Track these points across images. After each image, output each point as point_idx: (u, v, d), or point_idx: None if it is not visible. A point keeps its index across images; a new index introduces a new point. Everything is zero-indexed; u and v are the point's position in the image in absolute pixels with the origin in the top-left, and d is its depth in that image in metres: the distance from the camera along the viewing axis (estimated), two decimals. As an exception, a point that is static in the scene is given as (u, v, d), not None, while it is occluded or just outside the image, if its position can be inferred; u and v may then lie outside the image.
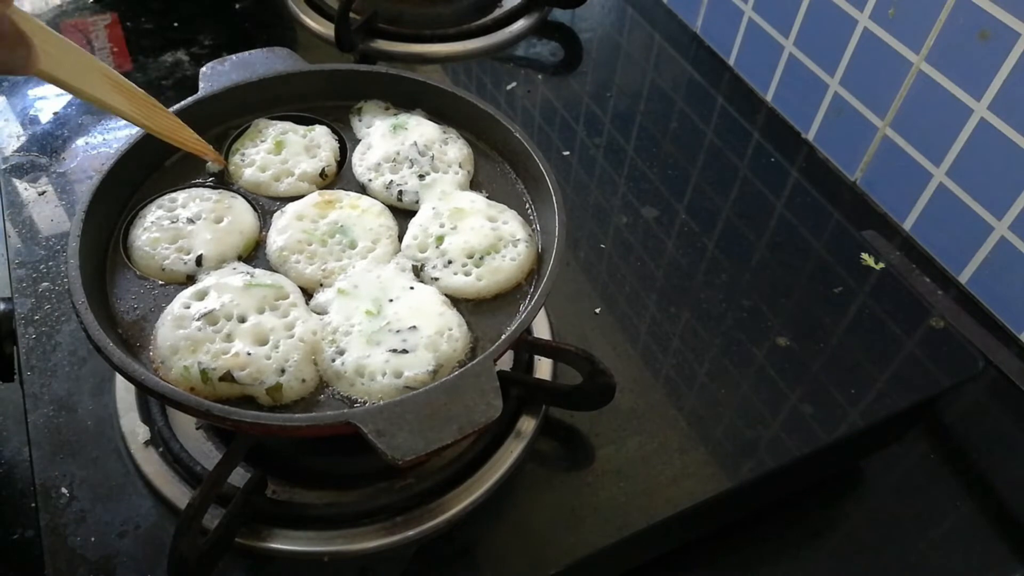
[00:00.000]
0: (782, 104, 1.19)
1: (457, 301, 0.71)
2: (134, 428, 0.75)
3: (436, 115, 0.84)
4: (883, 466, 0.86)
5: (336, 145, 0.82)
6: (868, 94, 1.05)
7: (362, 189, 0.79)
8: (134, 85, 0.68)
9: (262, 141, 0.80)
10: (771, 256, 0.97)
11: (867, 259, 0.96)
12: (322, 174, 0.79)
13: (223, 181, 0.79)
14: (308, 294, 0.70)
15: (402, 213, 0.77)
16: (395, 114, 0.84)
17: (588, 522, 0.72)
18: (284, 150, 0.79)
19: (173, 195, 0.75)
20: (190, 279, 0.70)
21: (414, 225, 0.75)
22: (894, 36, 0.99)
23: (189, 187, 0.77)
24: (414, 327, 0.66)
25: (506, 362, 0.80)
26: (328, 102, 0.86)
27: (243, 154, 0.80)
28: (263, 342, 0.65)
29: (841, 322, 0.90)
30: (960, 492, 0.84)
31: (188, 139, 0.75)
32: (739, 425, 0.80)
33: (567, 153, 1.09)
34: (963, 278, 1.00)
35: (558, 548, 0.70)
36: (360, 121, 0.84)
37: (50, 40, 0.58)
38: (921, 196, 1.02)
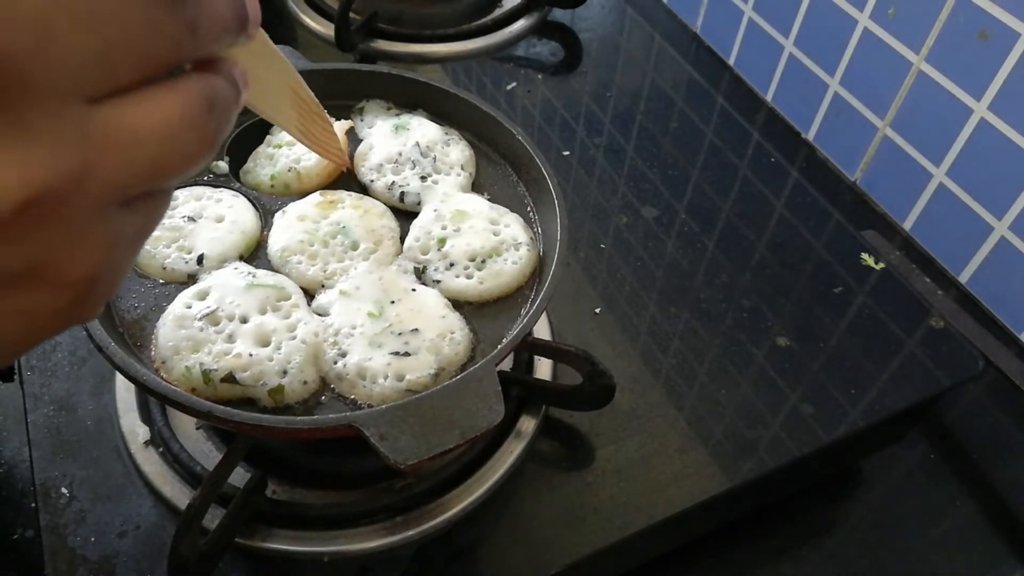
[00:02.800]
0: (782, 104, 1.19)
1: (459, 304, 0.71)
2: (134, 428, 0.75)
3: (438, 116, 0.84)
4: (883, 466, 0.86)
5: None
6: (868, 94, 1.05)
7: (364, 190, 0.79)
8: (308, 89, 0.57)
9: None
10: (771, 256, 0.97)
11: (867, 259, 0.96)
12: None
13: (224, 179, 0.79)
14: (309, 295, 0.70)
15: (404, 214, 0.77)
16: (397, 114, 0.84)
17: (588, 522, 0.72)
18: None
19: (174, 192, 0.75)
20: (191, 278, 0.70)
21: (416, 227, 0.75)
22: (894, 36, 0.99)
23: (190, 185, 0.77)
24: (416, 330, 0.66)
25: (506, 362, 0.80)
26: (330, 101, 0.84)
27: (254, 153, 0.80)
28: (265, 343, 0.65)
29: (841, 322, 0.90)
30: (960, 492, 0.84)
31: (333, 149, 0.68)
32: (739, 425, 0.80)
33: (567, 153, 1.09)
34: (963, 278, 1.00)
35: (558, 548, 0.70)
36: (362, 121, 0.84)
37: (263, 52, 0.46)
38: (921, 196, 1.02)
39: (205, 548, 0.62)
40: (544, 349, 0.81)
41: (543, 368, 0.83)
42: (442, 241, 0.73)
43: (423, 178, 0.78)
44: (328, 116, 0.62)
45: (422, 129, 0.81)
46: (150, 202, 0.33)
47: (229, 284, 0.67)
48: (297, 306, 0.68)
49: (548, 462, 0.77)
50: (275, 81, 0.51)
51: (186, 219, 0.72)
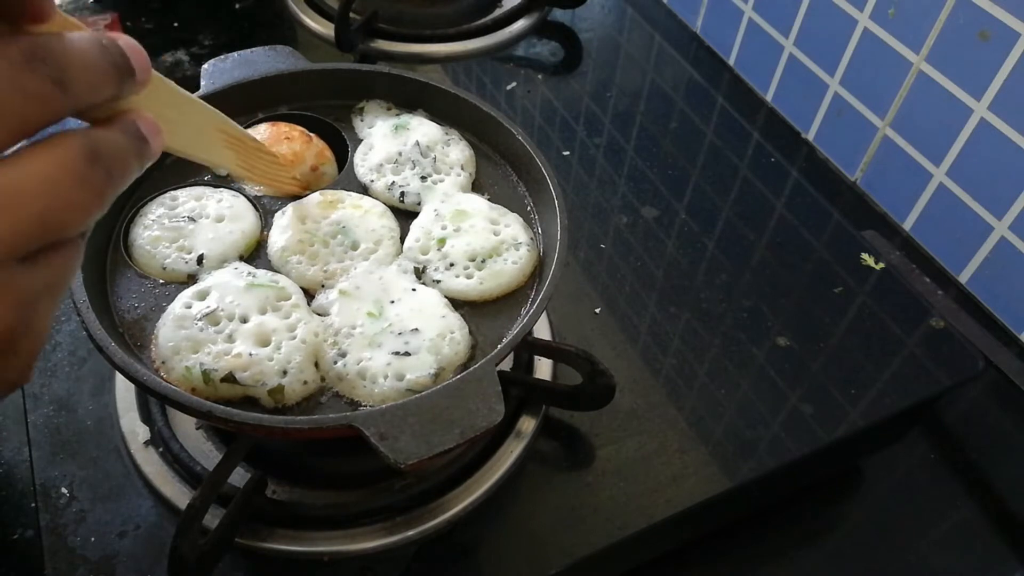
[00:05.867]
0: (782, 104, 1.19)
1: (458, 304, 0.71)
2: (134, 428, 0.75)
3: (438, 116, 0.84)
4: (883, 466, 0.86)
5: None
6: (868, 94, 1.05)
7: (364, 190, 0.79)
8: (238, 127, 0.59)
9: None
10: (771, 256, 0.97)
11: (867, 259, 0.96)
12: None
13: (225, 180, 0.78)
14: (309, 295, 0.70)
15: (404, 214, 0.77)
16: (397, 114, 0.84)
17: (588, 522, 0.72)
18: None
19: (174, 193, 0.75)
20: (191, 278, 0.70)
21: (416, 227, 0.75)
22: (894, 36, 0.99)
23: (190, 185, 0.77)
24: (416, 329, 0.66)
25: (506, 362, 0.80)
26: (330, 101, 0.85)
27: None
28: (265, 343, 0.65)
29: (841, 322, 0.90)
30: (960, 492, 0.84)
31: (284, 179, 0.72)
32: (739, 425, 0.80)
33: (567, 153, 1.09)
34: (963, 278, 1.00)
35: (558, 548, 0.70)
36: (362, 121, 0.84)
37: (173, 101, 0.46)
38: (921, 196, 1.02)
39: (205, 548, 0.62)
40: (544, 349, 0.81)
41: (543, 368, 0.83)
42: (442, 241, 0.73)
43: (423, 178, 0.78)
44: (268, 149, 0.62)
45: (422, 129, 0.81)
46: (54, 255, 0.34)
47: (229, 284, 0.67)
48: (297, 306, 0.68)
49: (548, 462, 0.77)
50: (197, 125, 0.51)
51: (186, 219, 0.72)
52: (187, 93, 0.48)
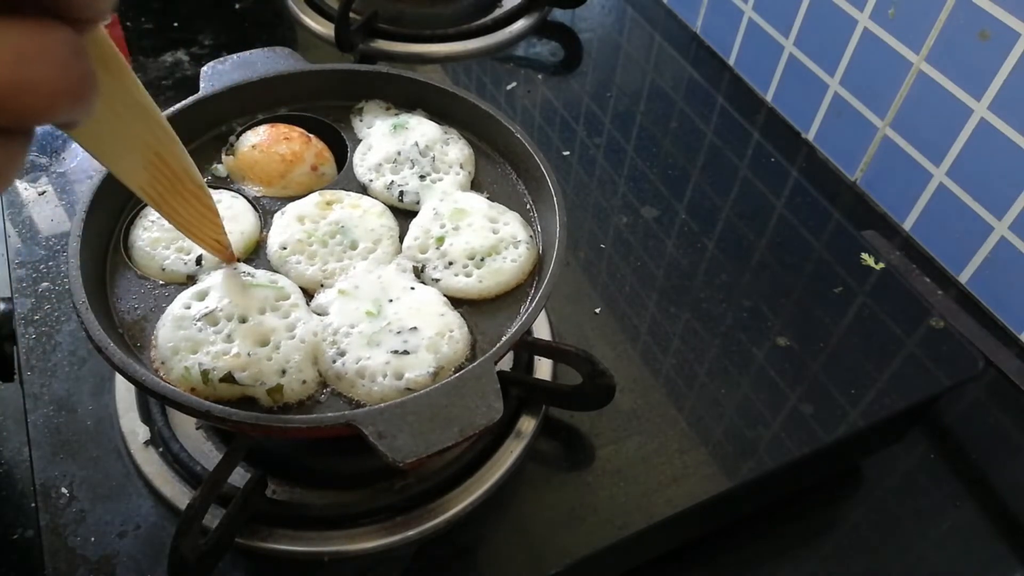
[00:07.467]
0: (782, 104, 1.19)
1: (457, 302, 0.71)
2: (134, 428, 0.75)
3: (437, 115, 0.84)
4: (883, 466, 0.86)
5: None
6: (868, 94, 1.05)
7: (363, 189, 0.79)
8: (183, 161, 0.51)
9: None
10: (771, 256, 0.97)
11: (867, 259, 0.96)
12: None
13: (224, 181, 0.79)
14: (308, 295, 0.70)
15: (403, 213, 0.77)
16: (396, 114, 0.84)
17: (588, 522, 0.72)
18: None
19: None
20: (190, 279, 0.70)
21: (415, 226, 0.75)
22: (894, 36, 0.99)
23: (189, 187, 0.76)
24: (415, 328, 0.66)
25: (506, 362, 0.80)
26: (329, 102, 0.85)
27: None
28: (264, 343, 0.65)
29: (841, 322, 0.90)
30: (960, 492, 0.84)
31: (208, 238, 0.61)
32: (739, 425, 0.80)
33: (567, 153, 1.09)
34: (963, 278, 1.00)
35: (558, 548, 0.70)
36: (361, 121, 0.84)
37: (126, 97, 0.40)
38: (921, 196, 1.02)
39: (205, 548, 0.62)
40: (544, 349, 0.81)
41: (543, 368, 0.83)
42: (441, 240, 0.73)
43: (422, 177, 0.78)
44: (212, 204, 0.54)
45: (421, 128, 0.81)
46: None
47: (228, 284, 0.67)
48: (296, 306, 0.68)
49: (548, 462, 0.77)
50: (126, 125, 0.43)
51: (186, 219, 0.72)
52: (146, 95, 0.41)
